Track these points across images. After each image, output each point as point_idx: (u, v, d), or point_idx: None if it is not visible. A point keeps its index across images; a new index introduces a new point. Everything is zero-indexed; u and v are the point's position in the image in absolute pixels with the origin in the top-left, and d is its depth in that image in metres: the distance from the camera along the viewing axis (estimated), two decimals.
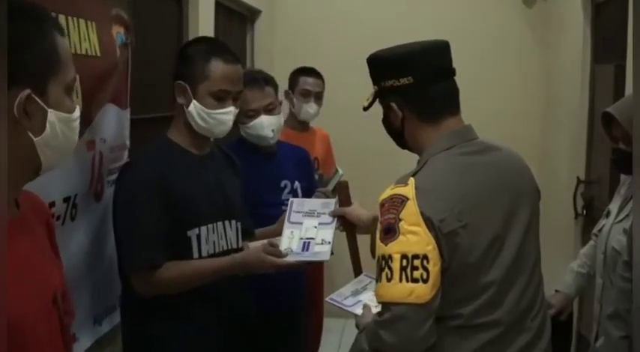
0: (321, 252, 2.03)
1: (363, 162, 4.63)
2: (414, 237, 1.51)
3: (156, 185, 1.93)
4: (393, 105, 1.68)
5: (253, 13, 4.48)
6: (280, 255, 1.99)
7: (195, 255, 2.00)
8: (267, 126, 2.56)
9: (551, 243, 3.35)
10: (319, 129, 3.88)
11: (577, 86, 3.87)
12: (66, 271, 1.78)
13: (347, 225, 2.24)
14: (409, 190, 1.55)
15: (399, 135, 1.73)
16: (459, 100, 1.73)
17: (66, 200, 1.81)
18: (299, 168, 2.79)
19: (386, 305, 1.56)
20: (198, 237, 2.00)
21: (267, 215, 2.48)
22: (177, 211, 1.95)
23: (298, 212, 2.15)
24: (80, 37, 1.84)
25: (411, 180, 1.57)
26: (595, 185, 3.69)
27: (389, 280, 1.51)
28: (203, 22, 3.19)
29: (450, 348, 1.58)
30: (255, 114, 2.55)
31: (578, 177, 3.77)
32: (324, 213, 2.14)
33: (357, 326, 1.80)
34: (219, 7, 3.55)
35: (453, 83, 1.72)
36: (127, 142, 2.27)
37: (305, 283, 2.80)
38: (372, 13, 4.77)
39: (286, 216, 2.20)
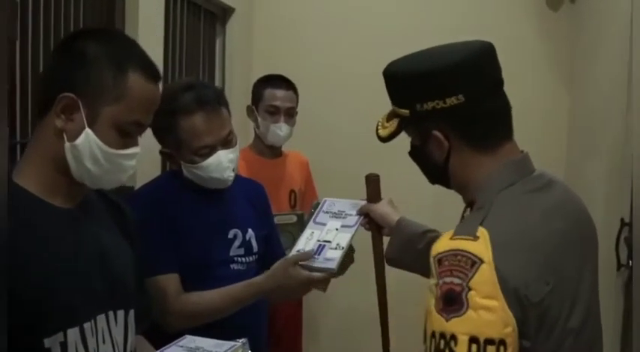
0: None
1: (349, 193, 3.92)
2: (489, 314, 1.19)
3: None
4: (437, 134, 1.34)
5: (225, 12, 3.75)
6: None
7: None
8: (227, 164, 1.83)
9: None
10: (296, 153, 3.11)
11: (620, 99, 3.15)
12: None
13: (372, 225, 1.90)
14: (482, 247, 1.21)
15: (442, 171, 1.38)
16: (512, 119, 1.41)
17: None
18: (254, 210, 2.03)
19: None
20: (64, 345, 1.22)
21: (210, 276, 1.82)
22: (28, 307, 1.18)
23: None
24: None
25: (482, 230, 1.23)
26: None
27: None
28: (146, 9, 2.43)
29: None
30: (211, 150, 1.81)
31: (622, 219, 3.05)
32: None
33: None
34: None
35: (505, 97, 1.41)
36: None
37: (266, 320, 2.09)
38: (370, 10, 4.05)
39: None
